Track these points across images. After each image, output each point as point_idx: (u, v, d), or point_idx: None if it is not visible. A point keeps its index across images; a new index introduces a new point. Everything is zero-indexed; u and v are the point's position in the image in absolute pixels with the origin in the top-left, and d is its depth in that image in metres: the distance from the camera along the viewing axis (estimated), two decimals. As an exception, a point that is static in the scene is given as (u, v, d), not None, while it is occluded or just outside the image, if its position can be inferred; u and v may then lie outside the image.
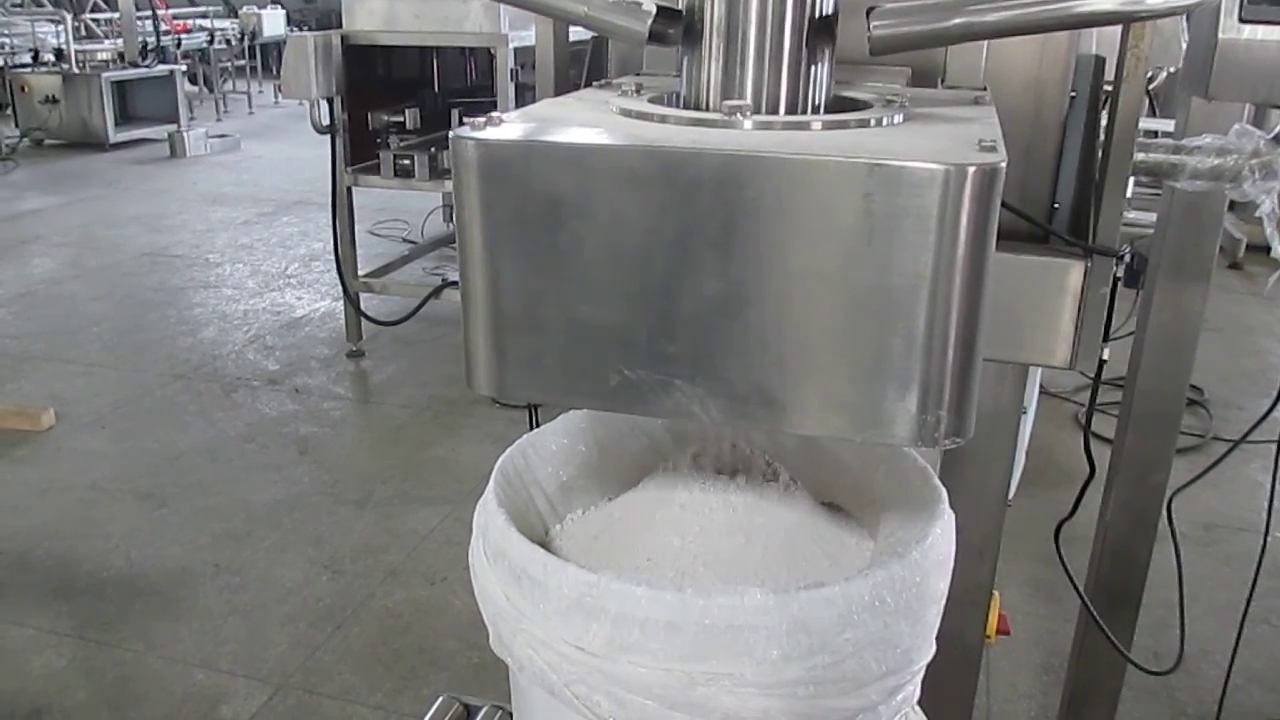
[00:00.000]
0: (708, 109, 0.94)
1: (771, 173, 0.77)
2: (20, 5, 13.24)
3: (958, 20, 0.87)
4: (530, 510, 1.17)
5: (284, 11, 15.25)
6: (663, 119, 0.89)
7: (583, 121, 0.90)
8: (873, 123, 0.89)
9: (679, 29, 0.93)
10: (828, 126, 0.87)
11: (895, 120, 0.90)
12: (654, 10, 0.91)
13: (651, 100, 0.98)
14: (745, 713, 0.89)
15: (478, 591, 1.04)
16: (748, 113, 0.87)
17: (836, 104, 0.99)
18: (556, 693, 0.95)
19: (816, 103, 0.96)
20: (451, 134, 0.83)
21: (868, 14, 0.88)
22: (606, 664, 0.91)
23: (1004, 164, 0.74)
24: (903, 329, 0.77)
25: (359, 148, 5.18)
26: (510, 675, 1.09)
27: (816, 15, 0.92)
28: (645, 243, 0.81)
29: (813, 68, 0.94)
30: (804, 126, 0.87)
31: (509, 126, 0.85)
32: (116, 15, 13.18)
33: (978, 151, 0.77)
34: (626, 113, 0.92)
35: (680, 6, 0.94)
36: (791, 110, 0.94)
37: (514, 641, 0.98)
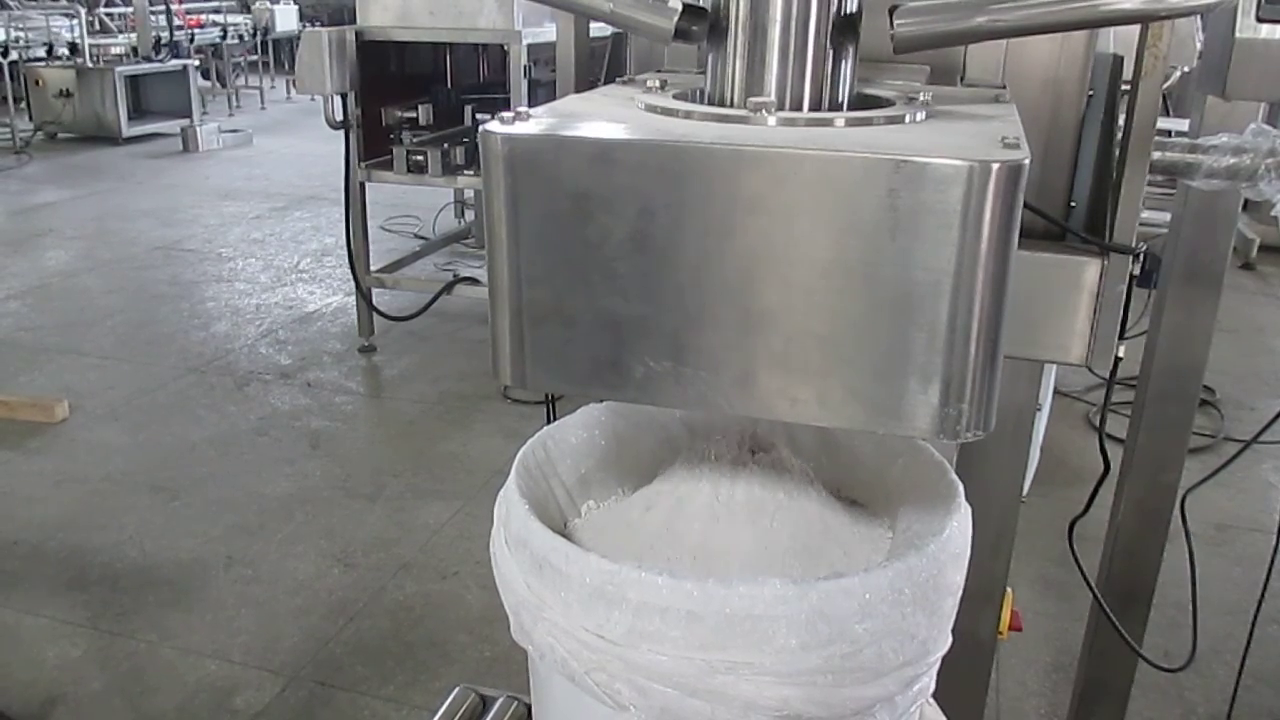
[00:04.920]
0: (732, 105, 0.95)
1: (796, 169, 0.78)
2: (35, -1, 13.31)
3: (980, 19, 0.87)
4: (550, 501, 1.18)
5: (296, 7, 15.28)
6: (688, 115, 0.90)
7: (608, 117, 0.91)
8: (896, 120, 0.90)
9: (704, 26, 0.94)
10: (851, 123, 0.88)
11: (918, 117, 0.91)
12: (679, 7, 0.92)
13: (676, 96, 0.99)
14: (764, 701, 0.90)
15: (499, 581, 1.06)
16: (772, 109, 0.88)
17: (859, 101, 1.00)
18: (577, 680, 0.96)
19: (840, 100, 0.97)
20: (480, 128, 0.84)
21: (890, 12, 0.89)
22: (627, 652, 0.92)
23: (1027, 161, 0.75)
24: (926, 323, 0.78)
25: (372, 143, 5.20)
26: (530, 663, 1.11)
27: (840, 13, 0.93)
28: (670, 236, 0.82)
29: (836, 65, 0.95)
30: (828, 123, 0.88)
31: (536, 121, 0.86)
32: (130, 9, 13.25)
33: (1001, 148, 0.78)
34: (652, 108, 0.93)
35: (705, 3, 0.95)
36: (815, 107, 0.94)
37: (535, 630, 0.99)
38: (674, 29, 0.92)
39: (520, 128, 0.84)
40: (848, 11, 0.93)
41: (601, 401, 1.25)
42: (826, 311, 0.80)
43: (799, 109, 0.94)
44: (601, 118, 0.90)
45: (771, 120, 0.87)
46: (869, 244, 0.78)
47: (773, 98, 0.92)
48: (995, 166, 0.74)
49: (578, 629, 0.94)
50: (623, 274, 0.83)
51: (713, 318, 0.83)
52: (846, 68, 0.96)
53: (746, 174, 0.79)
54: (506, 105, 0.89)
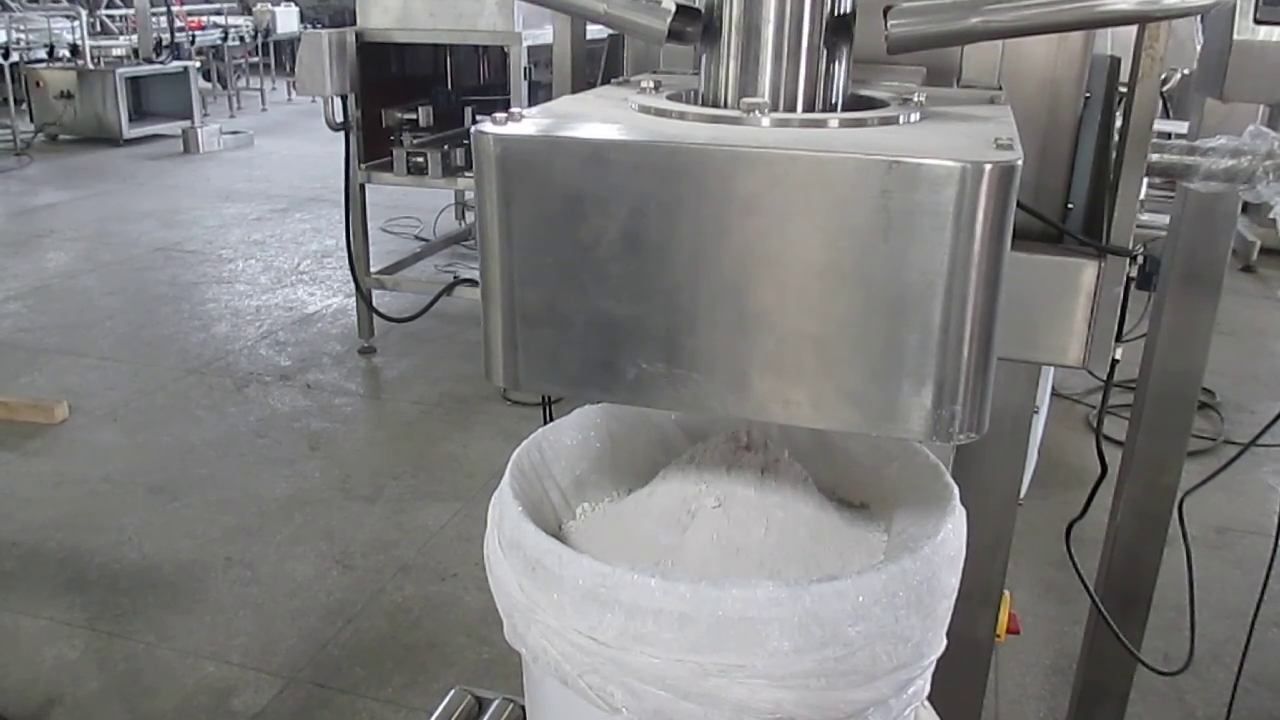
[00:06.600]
0: (726, 106, 0.95)
1: (789, 169, 0.78)
2: (36, 0, 13.31)
3: (975, 19, 0.87)
4: (545, 503, 1.18)
5: (297, 8, 15.29)
6: (681, 116, 0.90)
7: (602, 118, 0.91)
8: (890, 121, 0.89)
9: (698, 27, 0.94)
10: (845, 124, 0.88)
11: (912, 118, 0.91)
12: (673, 8, 0.92)
13: (670, 97, 0.99)
14: (757, 704, 0.90)
15: (492, 583, 1.05)
16: (766, 110, 0.88)
17: (853, 102, 0.99)
18: (570, 683, 0.96)
19: (834, 101, 0.96)
20: (473, 129, 0.84)
21: (885, 13, 0.89)
22: (620, 654, 0.92)
23: (1020, 162, 0.75)
24: (919, 324, 0.78)
25: (372, 145, 5.20)
26: (524, 666, 1.10)
27: (834, 14, 0.93)
28: (663, 237, 0.81)
29: (830, 66, 0.94)
30: (821, 124, 0.88)
31: (529, 122, 0.86)
32: (131, 11, 13.27)
33: (994, 150, 0.78)
34: (645, 109, 0.93)
35: (699, 4, 0.95)
36: (809, 108, 0.94)
37: (528, 632, 0.99)
38: (668, 30, 0.92)
39: (513, 128, 0.84)
40: (842, 12, 0.93)
41: (596, 403, 1.25)
42: (819, 313, 0.80)
43: (793, 110, 0.94)
44: (595, 119, 0.90)
45: (765, 121, 0.87)
46: (862, 245, 0.77)
47: (766, 98, 0.92)
48: (988, 167, 0.74)
49: (570, 631, 0.94)
50: (615, 275, 0.83)
51: (706, 319, 0.83)
52: (840, 68, 0.96)
53: (740, 175, 0.79)
54: (507, 107, 0.89)
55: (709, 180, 0.79)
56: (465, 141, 5.27)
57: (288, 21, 14.78)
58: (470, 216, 7.31)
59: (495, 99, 5.79)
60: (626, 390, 0.87)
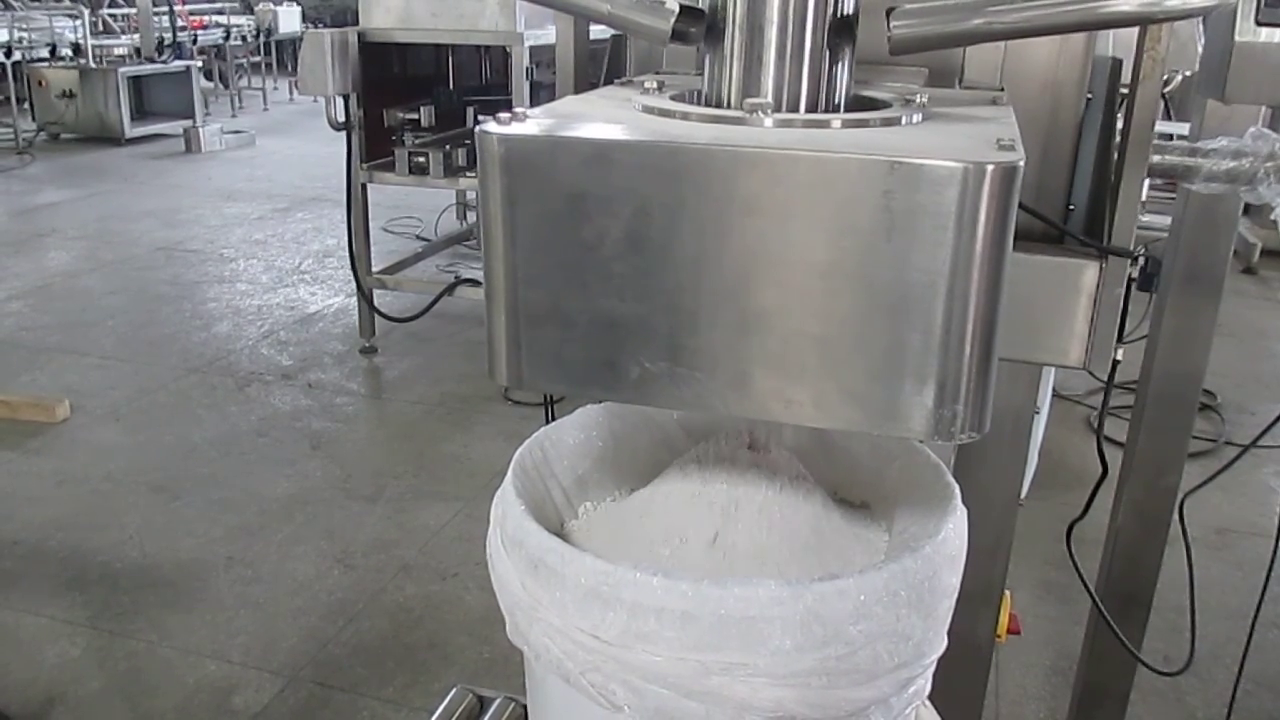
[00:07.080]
0: (729, 107, 0.95)
1: (791, 170, 0.78)
2: None
3: (977, 21, 0.88)
4: (547, 502, 1.18)
5: (299, 8, 15.30)
6: (685, 116, 0.90)
7: (605, 118, 0.91)
8: (892, 121, 0.90)
9: (701, 27, 0.94)
10: (848, 125, 0.88)
11: (914, 119, 0.91)
12: (677, 8, 0.92)
13: (673, 98, 0.99)
14: (758, 702, 0.90)
15: (495, 581, 1.06)
16: (769, 111, 0.88)
17: (856, 103, 1.00)
18: (572, 681, 0.96)
19: (836, 101, 0.97)
20: (477, 129, 0.84)
21: (888, 14, 0.89)
22: (622, 653, 0.92)
23: (1022, 163, 0.75)
24: (921, 324, 0.78)
25: (374, 145, 5.20)
26: (526, 664, 1.11)
27: (837, 14, 0.93)
28: (666, 237, 0.82)
29: (833, 67, 0.95)
30: (824, 125, 0.88)
31: (533, 122, 0.86)
32: (133, 10, 13.28)
33: (996, 150, 0.78)
34: (649, 110, 0.93)
35: (702, 5, 0.95)
36: (812, 109, 0.95)
37: (530, 630, 0.99)
38: (671, 30, 0.92)
39: (517, 128, 0.84)
40: (845, 13, 0.94)
41: (599, 402, 1.25)
42: (822, 312, 0.80)
43: (795, 110, 0.94)
44: (598, 119, 0.91)
45: (768, 121, 0.87)
46: (864, 245, 0.78)
47: (769, 99, 0.92)
48: (990, 168, 0.74)
49: (573, 629, 0.94)
50: (618, 275, 0.84)
51: (708, 319, 0.83)
52: (843, 69, 0.96)
53: (742, 175, 0.79)
54: (509, 107, 0.89)
55: (712, 180, 0.79)
56: (467, 142, 5.28)
57: (290, 21, 14.79)
58: (471, 217, 7.32)
59: (497, 99, 5.80)
60: (629, 389, 0.87)
